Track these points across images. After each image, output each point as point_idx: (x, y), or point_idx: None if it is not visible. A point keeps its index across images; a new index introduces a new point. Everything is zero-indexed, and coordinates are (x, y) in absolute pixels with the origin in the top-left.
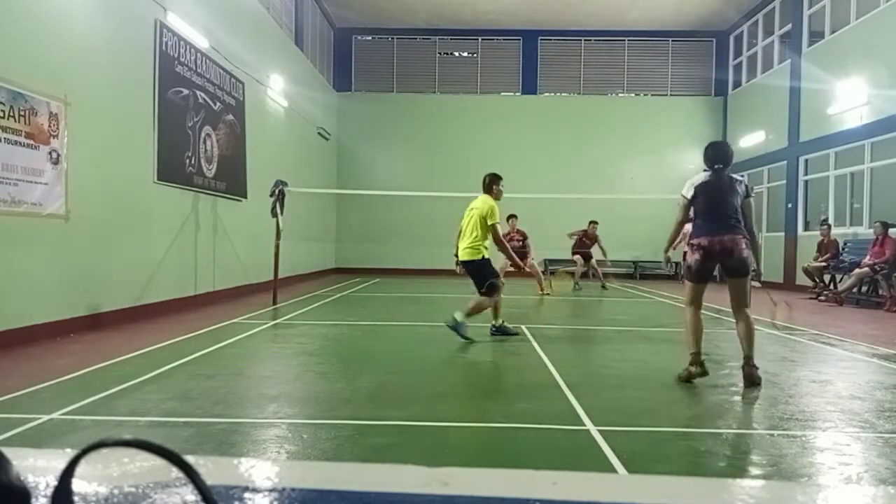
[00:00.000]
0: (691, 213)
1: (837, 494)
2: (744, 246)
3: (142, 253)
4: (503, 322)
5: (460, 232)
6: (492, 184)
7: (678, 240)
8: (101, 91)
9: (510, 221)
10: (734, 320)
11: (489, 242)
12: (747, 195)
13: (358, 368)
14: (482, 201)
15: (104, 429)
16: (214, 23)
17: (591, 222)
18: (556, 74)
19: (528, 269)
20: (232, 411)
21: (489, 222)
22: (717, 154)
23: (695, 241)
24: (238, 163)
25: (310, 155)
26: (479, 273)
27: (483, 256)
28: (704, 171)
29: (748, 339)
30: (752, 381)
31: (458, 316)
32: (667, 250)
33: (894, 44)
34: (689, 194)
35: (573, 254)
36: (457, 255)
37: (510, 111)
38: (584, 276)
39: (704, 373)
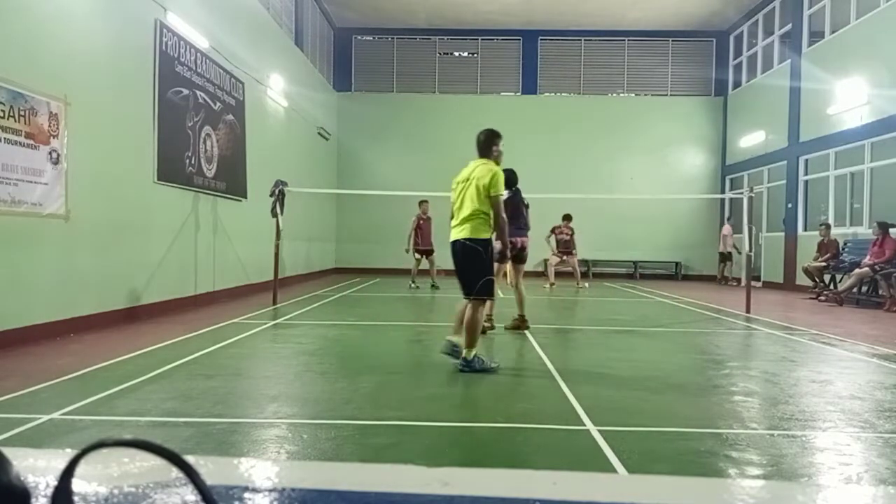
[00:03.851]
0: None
1: (837, 494)
2: (527, 246)
3: (142, 253)
4: (475, 354)
5: (452, 213)
6: (490, 143)
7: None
8: (101, 91)
9: (564, 221)
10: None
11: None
12: (528, 206)
13: (358, 368)
14: (481, 168)
15: (104, 429)
16: (214, 23)
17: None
18: (556, 74)
19: (570, 265)
20: (232, 411)
21: (492, 193)
22: (514, 178)
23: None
24: (238, 163)
25: (310, 155)
26: (475, 263)
27: (486, 237)
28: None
29: (522, 302)
30: (524, 326)
31: (465, 351)
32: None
33: (894, 44)
34: None
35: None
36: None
37: (510, 111)
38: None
39: (492, 327)
